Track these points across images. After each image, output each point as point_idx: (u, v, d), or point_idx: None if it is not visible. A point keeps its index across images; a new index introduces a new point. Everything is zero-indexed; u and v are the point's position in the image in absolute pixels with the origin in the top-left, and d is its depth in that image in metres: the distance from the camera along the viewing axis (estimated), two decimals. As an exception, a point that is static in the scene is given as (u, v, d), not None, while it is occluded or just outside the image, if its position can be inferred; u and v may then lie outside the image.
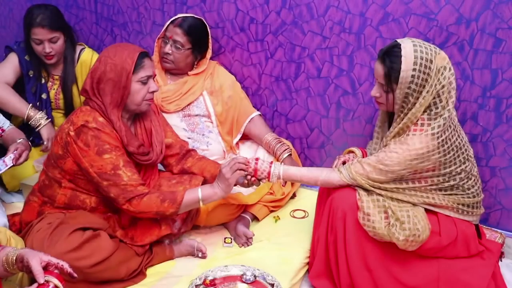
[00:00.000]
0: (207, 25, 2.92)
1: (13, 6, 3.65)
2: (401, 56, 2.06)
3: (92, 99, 2.27)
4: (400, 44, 2.09)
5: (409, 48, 2.07)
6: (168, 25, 2.85)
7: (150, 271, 2.37)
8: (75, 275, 1.89)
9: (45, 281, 1.76)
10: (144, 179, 2.40)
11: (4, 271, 1.83)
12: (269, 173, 2.31)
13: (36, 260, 1.79)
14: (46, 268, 1.81)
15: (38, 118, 2.88)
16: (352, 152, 2.48)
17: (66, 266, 1.85)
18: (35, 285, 1.73)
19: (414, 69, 2.05)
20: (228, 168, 2.26)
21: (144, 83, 2.27)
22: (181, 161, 2.57)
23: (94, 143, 2.20)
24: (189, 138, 2.88)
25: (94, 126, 2.21)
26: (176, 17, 2.87)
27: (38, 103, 3.09)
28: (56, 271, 1.83)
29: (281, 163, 2.43)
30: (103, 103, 2.26)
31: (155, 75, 2.38)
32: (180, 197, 2.24)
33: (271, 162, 2.34)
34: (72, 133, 2.22)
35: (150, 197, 2.22)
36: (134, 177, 2.23)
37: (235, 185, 2.30)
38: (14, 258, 1.81)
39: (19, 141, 2.59)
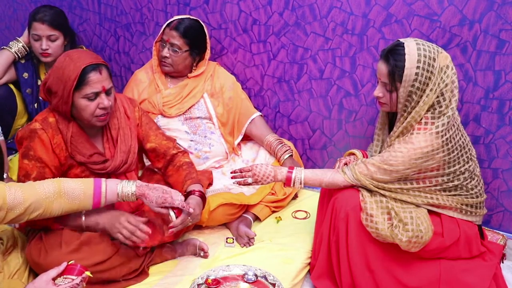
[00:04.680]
0: (204, 26, 2.90)
1: (17, 7, 3.67)
2: (404, 54, 2.06)
3: None
4: (403, 43, 2.10)
5: (412, 46, 2.07)
6: (165, 28, 2.84)
7: (152, 270, 2.37)
8: (191, 209, 2.18)
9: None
10: None
11: (116, 200, 2.14)
12: (289, 178, 2.31)
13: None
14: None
15: None
16: (353, 154, 2.48)
17: (182, 203, 2.18)
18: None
19: (418, 67, 2.05)
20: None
21: (91, 99, 2.14)
22: (168, 166, 2.51)
23: (25, 144, 2.16)
24: (191, 140, 2.88)
25: (36, 127, 2.16)
26: (172, 19, 2.84)
27: (36, 104, 3.12)
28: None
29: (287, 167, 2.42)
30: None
31: (106, 90, 2.17)
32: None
33: (291, 167, 2.34)
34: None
35: None
36: None
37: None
38: (135, 194, 2.13)
39: None
